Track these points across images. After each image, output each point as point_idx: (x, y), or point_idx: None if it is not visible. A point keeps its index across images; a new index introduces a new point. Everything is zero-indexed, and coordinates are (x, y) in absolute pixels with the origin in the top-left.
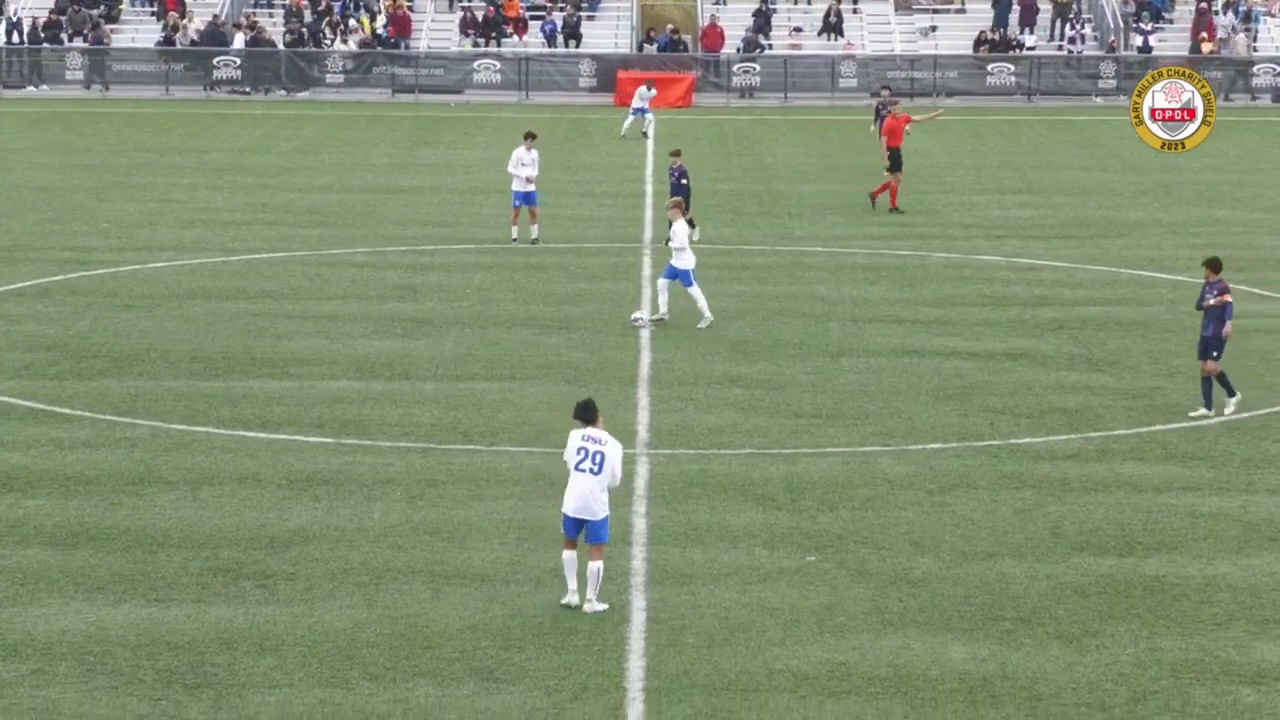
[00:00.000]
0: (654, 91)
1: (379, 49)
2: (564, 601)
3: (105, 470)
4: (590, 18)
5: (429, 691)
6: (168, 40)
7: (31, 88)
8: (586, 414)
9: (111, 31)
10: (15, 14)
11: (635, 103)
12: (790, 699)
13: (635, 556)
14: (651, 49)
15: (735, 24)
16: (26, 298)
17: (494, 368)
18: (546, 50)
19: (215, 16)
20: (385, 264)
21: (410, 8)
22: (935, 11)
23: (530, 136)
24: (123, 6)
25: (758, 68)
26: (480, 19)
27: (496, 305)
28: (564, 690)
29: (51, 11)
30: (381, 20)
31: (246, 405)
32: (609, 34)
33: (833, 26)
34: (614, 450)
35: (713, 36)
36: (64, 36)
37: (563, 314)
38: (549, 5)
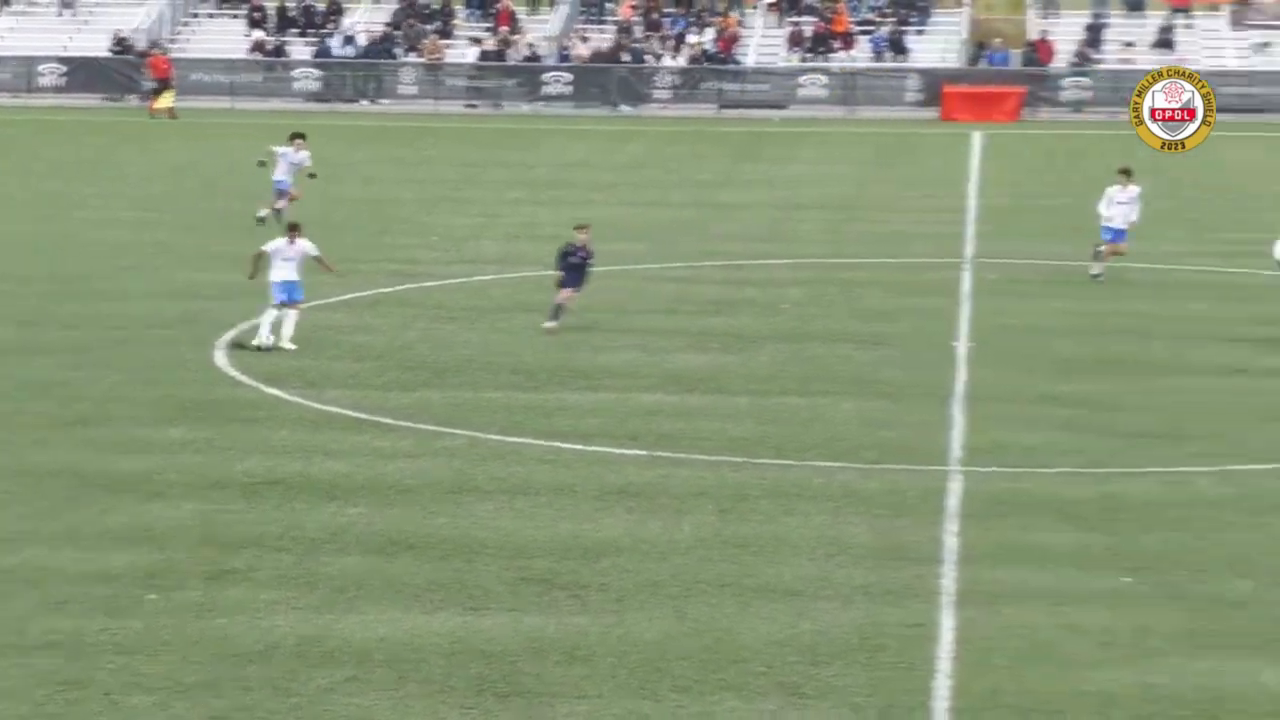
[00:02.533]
0: None
1: (706, 64)
2: None
3: (425, 479)
4: (920, 32)
5: (735, 705)
6: (498, 55)
7: (365, 102)
8: None
9: (445, 47)
10: (350, 28)
11: None
12: None
13: (945, 575)
14: (984, 63)
15: (1066, 39)
16: (356, 308)
17: (808, 383)
18: (874, 65)
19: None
20: (703, 279)
21: (741, 24)
22: (1270, 28)
23: (1124, 173)
24: (455, 22)
25: (1089, 82)
26: (808, 34)
27: (812, 321)
28: (870, 708)
29: (386, 25)
30: (710, 35)
31: (562, 417)
32: (937, 49)
33: (1165, 41)
34: None
35: (1044, 51)
36: (397, 51)
37: (878, 330)
38: (877, 20)
